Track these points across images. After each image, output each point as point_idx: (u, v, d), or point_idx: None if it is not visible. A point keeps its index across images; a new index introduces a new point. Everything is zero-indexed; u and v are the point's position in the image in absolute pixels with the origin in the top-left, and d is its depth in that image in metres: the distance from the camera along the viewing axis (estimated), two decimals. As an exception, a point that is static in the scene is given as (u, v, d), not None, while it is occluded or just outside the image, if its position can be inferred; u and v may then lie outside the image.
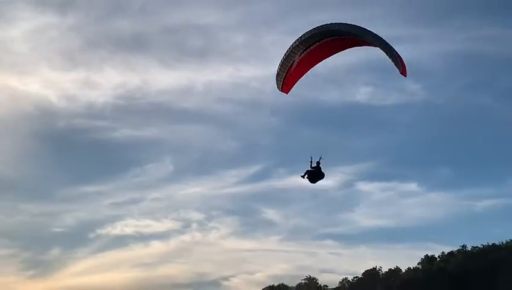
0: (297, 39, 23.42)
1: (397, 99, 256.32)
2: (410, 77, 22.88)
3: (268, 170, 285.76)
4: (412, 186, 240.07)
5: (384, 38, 21.95)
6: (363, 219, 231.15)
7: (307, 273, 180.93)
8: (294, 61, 24.30)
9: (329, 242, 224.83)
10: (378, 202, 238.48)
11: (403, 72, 22.33)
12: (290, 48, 23.82)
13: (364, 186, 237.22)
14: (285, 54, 24.17)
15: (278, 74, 25.23)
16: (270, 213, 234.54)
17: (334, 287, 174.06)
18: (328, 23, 22.42)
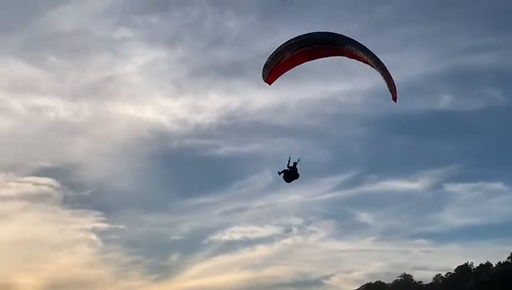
0: (292, 40, 22.42)
1: (479, 105, 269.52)
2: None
3: (359, 176, 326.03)
4: (499, 185, 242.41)
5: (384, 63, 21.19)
6: (452, 218, 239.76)
7: (401, 271, 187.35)
8: (284, 57, 23.33)
9: (421, 241, 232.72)
10: (466, 201, 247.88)
11: (394, 98, 22.08)
12: (284, 45, 22.74)
13: (452, 188, 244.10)
14: (277, 49, 22.94)
15: (265, 65, 24.01)
16: (364, 216, 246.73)
17: (429, 282, 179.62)
18: (330, 32, 21.70)
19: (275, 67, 24.01)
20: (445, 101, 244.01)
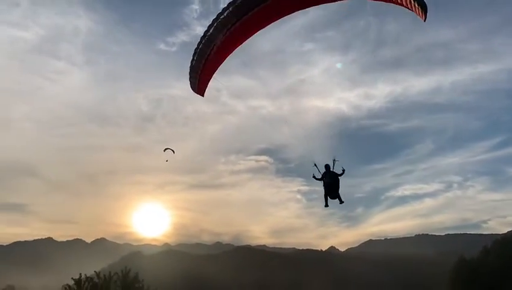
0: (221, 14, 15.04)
1: None
2: None
3: (509, 140, 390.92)
4: None
5: None
6: None
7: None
8: (214, 45, 16.19)
9: None
10: None
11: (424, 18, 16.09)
12: (210, 27, 15.05)
13: None
14: (202, 38, 15.25)
15: (191, 69, 16.24)
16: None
17: None
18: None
19: (205, 68, 16.47)
20: None
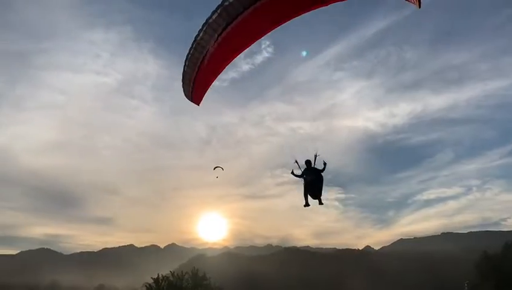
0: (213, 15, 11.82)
1: None
2: None
3: None
4: None
5: None
6: None
7: None
8: (207, 52, 12.90)
9: None
10: None
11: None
12: (200, 32, 12.16)
13: None
14: (193, 43, 12.41)
15: (183, 75, 13.42)
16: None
17: None
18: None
19: (199, 77, 13.47)
20: None
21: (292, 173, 17.85)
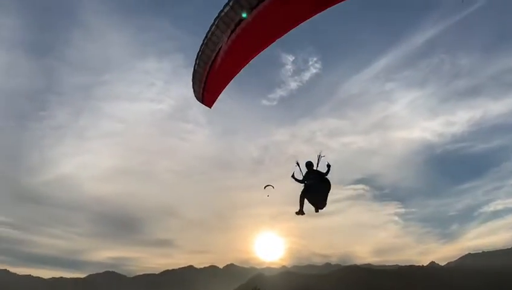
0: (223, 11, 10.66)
1: None
2: None
3: None
4: None
5: None
6: None
7: None
8: (220, 49, 11.51)
9: None
10: None
11: None
12: (212, 26, 11.04)
13: None
14: (204, 39, 11.30)
15: (194, 74, 12.34)
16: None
17: None
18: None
19: (211, 76, 12.15)
20: None
21: (292, 176, 15.33)
